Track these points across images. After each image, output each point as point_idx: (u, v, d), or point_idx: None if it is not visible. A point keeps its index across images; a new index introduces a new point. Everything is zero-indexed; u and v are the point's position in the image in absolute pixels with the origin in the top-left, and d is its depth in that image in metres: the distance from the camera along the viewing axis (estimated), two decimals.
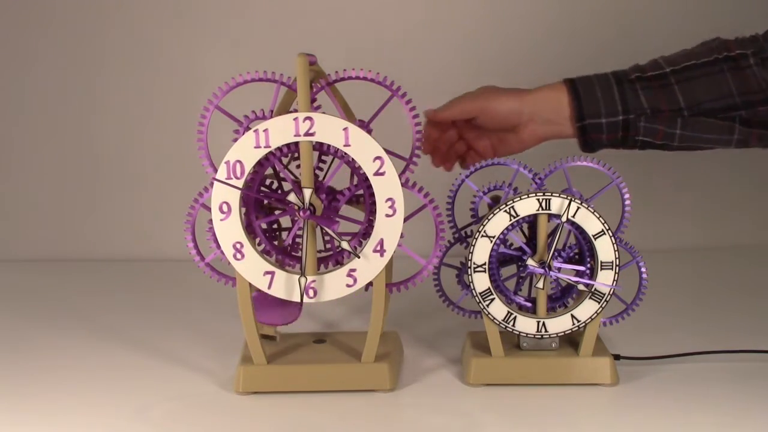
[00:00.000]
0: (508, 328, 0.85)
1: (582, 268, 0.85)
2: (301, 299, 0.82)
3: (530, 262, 0.84)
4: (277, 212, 0.87)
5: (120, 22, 1.44)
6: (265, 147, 0.80)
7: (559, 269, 0.85)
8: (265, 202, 0.86)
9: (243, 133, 0.81)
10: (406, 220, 0.82)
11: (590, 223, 0.83)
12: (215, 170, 0.82)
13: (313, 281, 0.82)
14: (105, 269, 1.39)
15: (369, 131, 0.82)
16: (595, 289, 0.84)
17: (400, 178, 0.82)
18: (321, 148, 0.83)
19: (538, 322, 0.85)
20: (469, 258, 0.84)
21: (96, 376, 0.91)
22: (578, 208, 0.83)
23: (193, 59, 1.44)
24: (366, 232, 0.84)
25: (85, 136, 1.48)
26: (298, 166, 0.83)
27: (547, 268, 0.84)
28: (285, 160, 0.85)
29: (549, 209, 0.83)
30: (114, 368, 0.94)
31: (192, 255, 0.87)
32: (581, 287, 0.84)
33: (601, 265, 0.84)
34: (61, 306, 1.17)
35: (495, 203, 0.87)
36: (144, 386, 0.88)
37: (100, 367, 0.94)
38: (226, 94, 0.84)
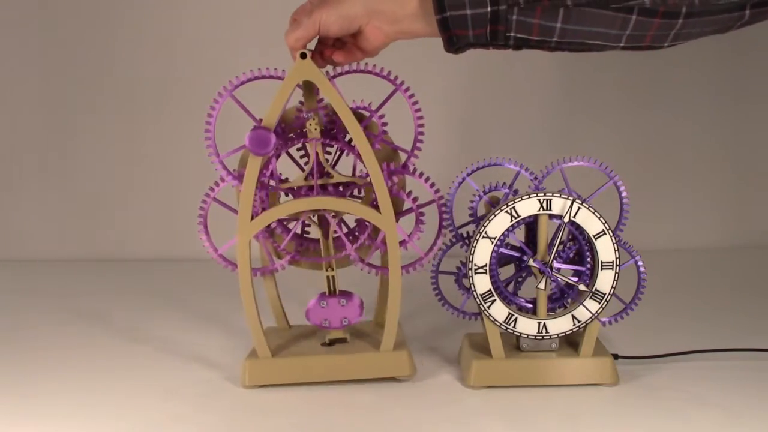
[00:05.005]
0: (509, 330, 0.85)
1: (582, 268, 0.85)
2: None
3: (531, 262, 0.85)
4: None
5: (131, 17, 1.44)
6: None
7: (558, 270, 0.85)
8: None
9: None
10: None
11: (591, 223, 0.83)
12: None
13: None
14: (106, 269, 1.39)
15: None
16: (596, 289, 0.84)
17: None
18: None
19: (539, 323, 0.85)
20: (470, 259, 0.84)
21: (101, 372, 0.92)
22: (579, 208, 0.83)
23: (209, 56, 1.44)
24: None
25: (85, 136, 1.47)
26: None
27: (548, 269, 0.84)
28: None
29: (550, 210, 0.83)
30: (118, 367, 0.94)
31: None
32: (582, 287, 0.84)
33: (602, 265, 0.84)
34: (61, 306, 1.18)
35: (493, 204, 0.87)
36: (150, 383, 0.88)
37: (105, 364, 0.95)
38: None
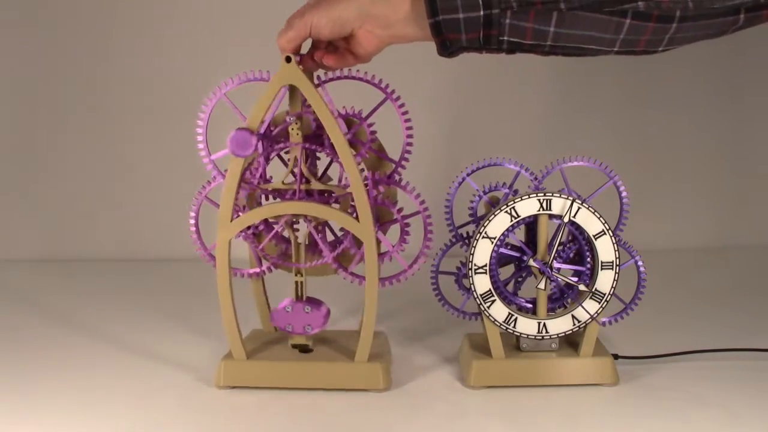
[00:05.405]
0: (509, 330, 0.85)
1: (582, 268, 0.85)
2: None
3: (531, 262, 0.85)
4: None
5: (126, 18, 1.44)
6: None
7: (558, 270, 0.85)
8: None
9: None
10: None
11: (591, 223, 0.83)
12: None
13: None
14: (106, 269, 1.39)
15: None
16: (596, 289, 0.84)
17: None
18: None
19: (539, 323, 0.85)
20: (470, 259, 0.84)
21: (101, 372, 0.92)
22: (579, 208, 0.83)
23: (202, 61, 1.44)
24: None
25: (85, 136, 1.47)
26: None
27: (548, 269, 0.84)
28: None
29: (550, 210, 0.83)
30: (117, 366, 0.94)
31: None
32: (582, 287, 0.84)
33: (602, 265, 0.84)
34: (60, 306, 1.17)
35: (493, 204, 0.87)
36: (138, 383, 0.88)
37: (105, 363, 0.95)
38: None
